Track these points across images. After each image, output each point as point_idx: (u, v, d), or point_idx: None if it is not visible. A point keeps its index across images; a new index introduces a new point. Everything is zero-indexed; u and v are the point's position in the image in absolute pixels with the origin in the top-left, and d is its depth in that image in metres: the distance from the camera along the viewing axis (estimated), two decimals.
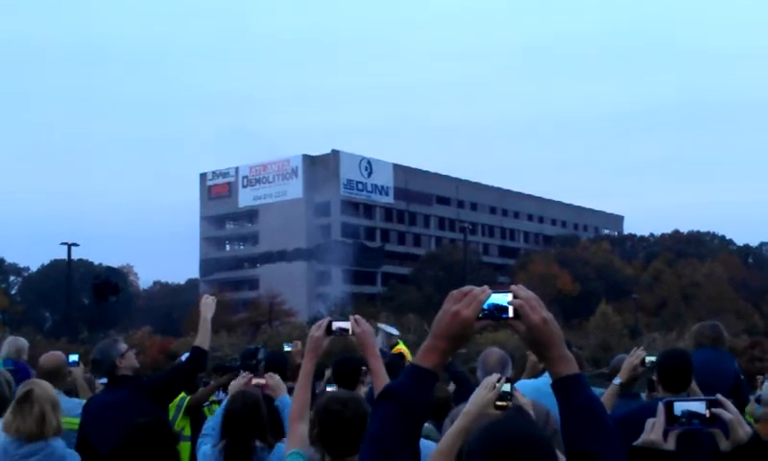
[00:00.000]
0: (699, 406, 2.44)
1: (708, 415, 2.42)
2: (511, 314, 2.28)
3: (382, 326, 9.27)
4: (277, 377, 5.80)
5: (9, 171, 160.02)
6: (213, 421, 5.53)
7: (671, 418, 2.44)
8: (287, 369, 7.10)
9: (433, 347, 2.31)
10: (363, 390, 6.25)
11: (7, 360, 8.58)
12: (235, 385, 5.91)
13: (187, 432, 8.04)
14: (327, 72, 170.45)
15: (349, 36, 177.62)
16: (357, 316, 4.13)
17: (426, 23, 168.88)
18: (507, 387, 3.67)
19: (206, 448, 5.32)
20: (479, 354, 6.68)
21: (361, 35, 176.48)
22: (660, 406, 2.46)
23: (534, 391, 5.27)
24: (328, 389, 5.96)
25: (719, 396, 2.46)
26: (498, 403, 3.63)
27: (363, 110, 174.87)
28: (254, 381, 5.85)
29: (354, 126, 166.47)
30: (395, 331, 9.25)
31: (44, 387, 5.09)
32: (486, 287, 2.31)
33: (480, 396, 3.64)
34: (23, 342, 8.89)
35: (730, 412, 2.42)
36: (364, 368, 7.11)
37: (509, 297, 2.29)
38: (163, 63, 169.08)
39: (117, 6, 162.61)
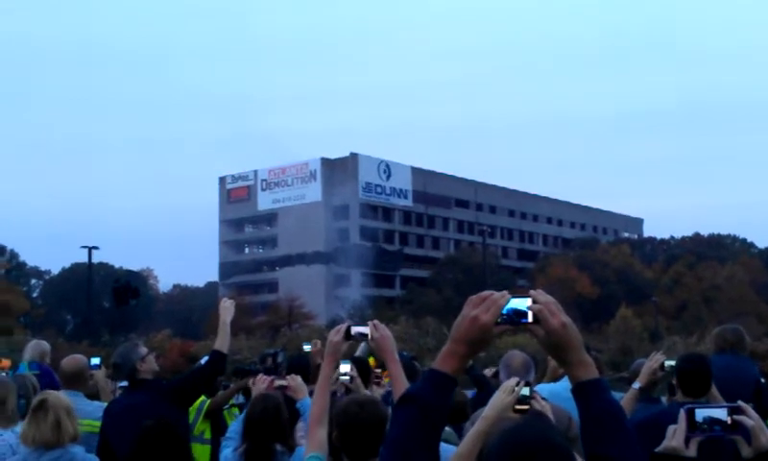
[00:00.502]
0: (720, 413, 2.43)
1: (729, 422, 2.41)
2: (530, 319, 2.28)
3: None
4: (299, 379, 5.80)
5: (31, 174, 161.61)
6: (236, 425, 5.55)
7: (692, 424, 2.43)
8: (309, 371, 7.10)
9: (452, 351, 2.31)
10: (379, 392, 6.25)
11: (32, 363, 8.73)
12: (258, 388, 5.92)
13: (207, 435, 8.07)
14: (346, 74, 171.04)
15: (367, 36, 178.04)
16: (376, 321, 4.13)
17: (443, 23, 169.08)
18: (526, 391, 3.66)
19: (228, 451, 5.34)
20: (500, 358, 6.68)
21: (378, 36, 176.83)
22: (682, 413, 2.45)
23: (552, 395, 5.25)
24: (342, 367, 5.94)
25: (740, 402, 2.44)
26: (517, 407, 3.62)
27: (382, 113, 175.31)
28: (277, 383, 5.86)
29: (373, 128, 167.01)
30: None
31: (58, 395, 5.14)
32: (505, 292, 2.32)
33: (499, 399, 3.63)
34: (46, 345, 9.04)
35: (751, 419, 2.40)
36: (378, 370, 7.15)
37: (528, 301, 2.29)
38: (183, 66, 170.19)
39: (125, 8, 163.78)
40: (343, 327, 4.15)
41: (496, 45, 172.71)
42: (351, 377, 6.14)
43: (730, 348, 7.07)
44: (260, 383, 5.92)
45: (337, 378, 6.07)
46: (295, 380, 5.75)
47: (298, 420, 5.48)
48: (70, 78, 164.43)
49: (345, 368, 6.06)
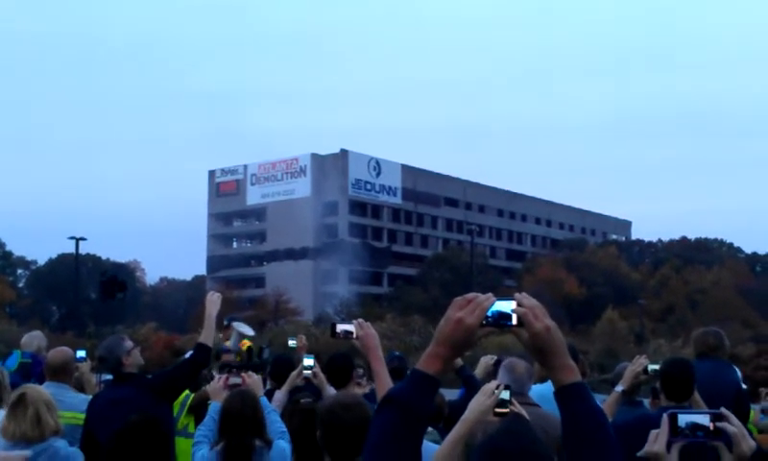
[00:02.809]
0: (703, 419, 2.44)
1: (711, 428, 2.42)
2: (514, 322, 2.29)
3: (237, 325, 9.37)
4: (255, 377, 5.80)
5: (17, 165, 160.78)
6: (205, 428, 5.46)
7: (675, 429, 2.44)
8: (293, 368, 7.07)
9: (435, 353, 2.31)
10: (360, 390, 6.27)
11: (25, 352, 8.81)
12: (213, 386, 5.86)
13: (191, 429, 8.04)
14: (338, 71, 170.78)
15: (360, 34, 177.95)
16: (360, 319, 4.14)
17: (436, 23, 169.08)
18: (506, 394, 3.66)
19: (204, 451, 5.23)
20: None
21: (371, 34, 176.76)
22: (665, 418, 2.45)
23: (540, 397, 5.26)
24: (305, 361, 6.01)
25: (723, 409, 2.45)
26: (497, 410, 3.62)
27: (372, 110, 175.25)
28: (231, 381, 5.84)
29: (363, 126, 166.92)
30: (249, 332, 9.32)
31: (38, 389, 5.11)
32: (490, 295, 2.32)
33: (479, 402, 3.63)
34: (44, 339, 9.21)
35: (734, 425, 2.41)
36: (360, 371, 7.17)
37: (513, 304, 2.30)
38: (174, 61, 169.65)
39: (116, 4, 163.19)
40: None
41: (489, 46, 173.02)
42: (314, 372, 6.19)
43: (711, 352, 7.08)
44: (215, 382, 5.88)
45: (300, 372, 6.14)
46: (251, 377, 5.74)
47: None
48: (60, 72, 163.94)
49: (308, 362, 6.13)
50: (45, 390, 5.21)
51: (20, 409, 4.86)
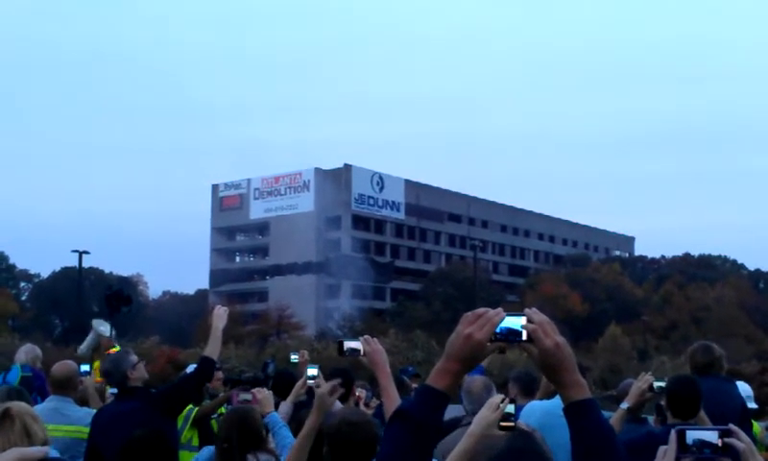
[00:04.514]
0: (711, 435, 2.44)
1: (720, 444, 2.42)
2: (524, 338, 2.29)
3: (97, 323, 9.44)
4: (266, 393, 5.80)
5: (22, 177, 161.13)
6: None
7: (683, 446, 2.44)
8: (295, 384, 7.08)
9: (446, 369, 2.32)
10: (366, 408, 6.29)
11: (25, 366, 8.81)
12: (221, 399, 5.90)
13: (195, 443, 8.06)
14: (342, 85, 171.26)
15: (363, 49, 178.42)
16: (367, 336, 4.14)
17: (439, 37, 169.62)
18: (511, 408, 3.66)
19: None
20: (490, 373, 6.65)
21: (374, 48, 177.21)
22: (673, 434, 2.46)
23: (545, 414, 5.26)
24: (310, 371, 6.02)
25: (732, 425, 2.45)
26: (503, 424, 3.62)
27: (376, 125, 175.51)
28: (241, 397, 5.85)
29: (367, 140, 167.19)
30: (106, 332, 9.40)
31: (19, 403, 5.11)
32: (500, 310, 2.33)
33: (484, 416, 3.64)
34: (39, 351, 9.20)
35: (742, 442, 2.42)
36: (360, 390, 7.17)
37: (522, 320, 2.30)
38: (179, 74, 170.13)
39: (124, 14, 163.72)
40: (330, 384, 4.18)
41: (493, 61, 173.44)
42: (318, 383, 6.21)
43: (710, 368, 6.99)
44: (222, 397, 5.91)
45: (305, 382, 6.15)
46: (262, 393, 5.74)
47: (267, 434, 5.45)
48: (64, 82, 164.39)
49: (312, 372, 6.16)
50: (25, 404, 5.21)
51: (7, 423, 4.84)
